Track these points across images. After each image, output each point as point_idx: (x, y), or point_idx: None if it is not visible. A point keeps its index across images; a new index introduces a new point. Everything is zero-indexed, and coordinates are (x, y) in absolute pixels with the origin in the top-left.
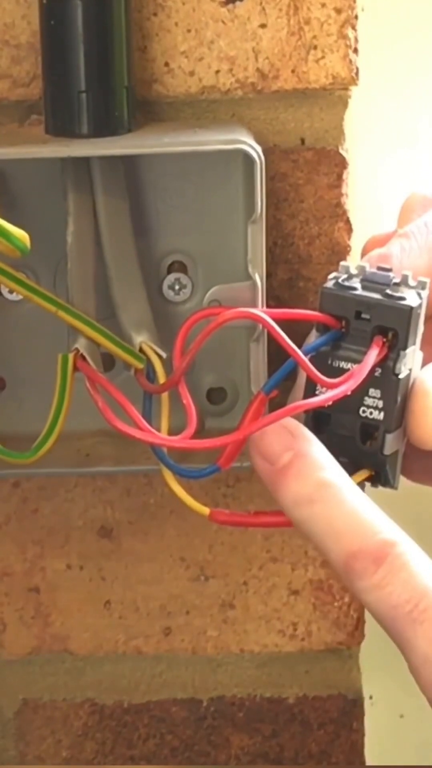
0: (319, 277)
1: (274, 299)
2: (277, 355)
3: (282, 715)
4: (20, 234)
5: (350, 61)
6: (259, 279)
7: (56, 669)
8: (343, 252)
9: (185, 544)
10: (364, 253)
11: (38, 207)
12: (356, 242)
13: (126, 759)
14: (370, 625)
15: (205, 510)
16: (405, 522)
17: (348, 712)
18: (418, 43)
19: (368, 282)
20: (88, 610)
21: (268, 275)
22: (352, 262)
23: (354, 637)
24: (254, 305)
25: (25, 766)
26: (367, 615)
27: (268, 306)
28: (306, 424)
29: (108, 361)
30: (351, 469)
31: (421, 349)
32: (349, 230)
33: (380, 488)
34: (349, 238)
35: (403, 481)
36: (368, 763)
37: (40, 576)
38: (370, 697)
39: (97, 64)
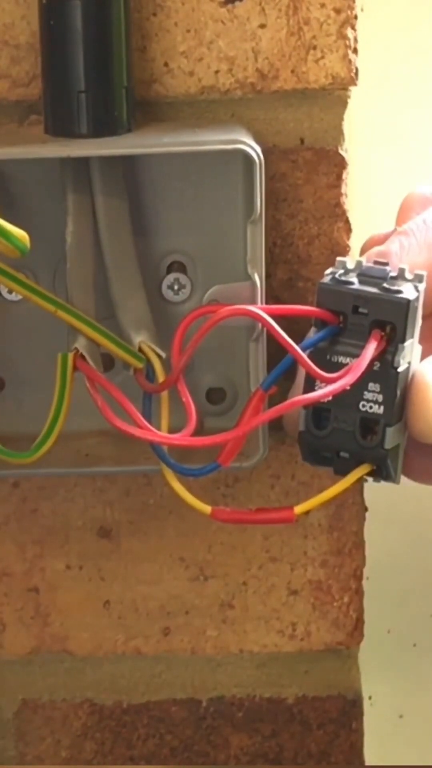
0: (319, 277)
1: (273, 299)
2: (276, 355)
3: (281, 715)
4: (20, 234)
5: (350, 61)
6: (258, 279)
7: (55, 669)
8: (342, 252)
9: (184, 544)
10: (362, 254)
11: (37, 207)
12: (355, 242)
13: (125, 759)
14: (370, 625)
15: (207, 508)
16: (405, 522)
17: (347, 712)
18: (418, 43)
19: (365, 276)
20: (88, 611)
21: (268, 275)
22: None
23: (353, 638)
24: (253, 305)
25: (24, 766)
26: (366, 615)
27: None
28: (306, 420)
29: (107, 361)
30: (352, 464)
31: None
32: (349, 230)
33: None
34: (348, 238)
35: (403, 480)
36: (367, 763)
37: (40, 576)
38: (370, 698)
39: (97, 65)
